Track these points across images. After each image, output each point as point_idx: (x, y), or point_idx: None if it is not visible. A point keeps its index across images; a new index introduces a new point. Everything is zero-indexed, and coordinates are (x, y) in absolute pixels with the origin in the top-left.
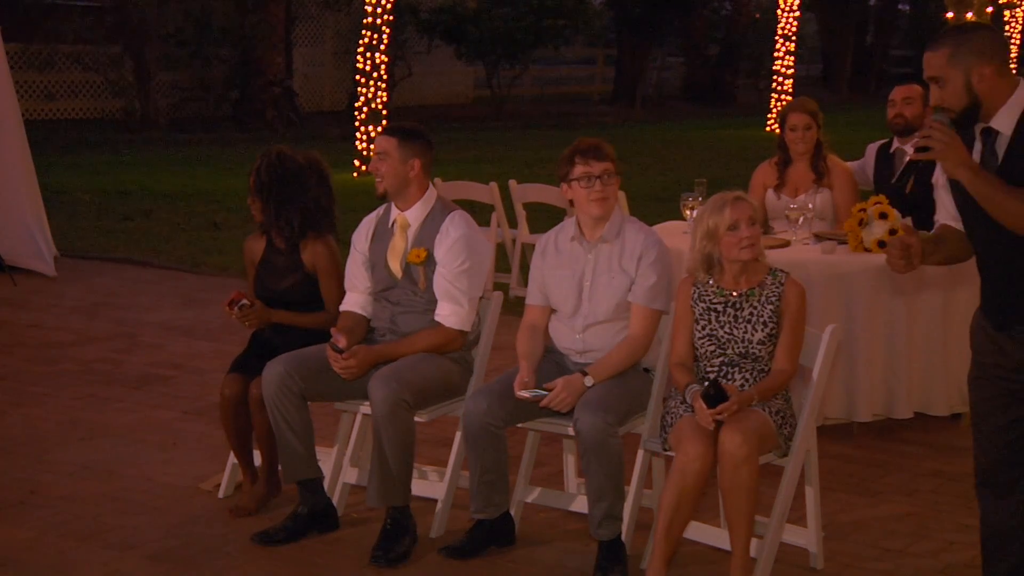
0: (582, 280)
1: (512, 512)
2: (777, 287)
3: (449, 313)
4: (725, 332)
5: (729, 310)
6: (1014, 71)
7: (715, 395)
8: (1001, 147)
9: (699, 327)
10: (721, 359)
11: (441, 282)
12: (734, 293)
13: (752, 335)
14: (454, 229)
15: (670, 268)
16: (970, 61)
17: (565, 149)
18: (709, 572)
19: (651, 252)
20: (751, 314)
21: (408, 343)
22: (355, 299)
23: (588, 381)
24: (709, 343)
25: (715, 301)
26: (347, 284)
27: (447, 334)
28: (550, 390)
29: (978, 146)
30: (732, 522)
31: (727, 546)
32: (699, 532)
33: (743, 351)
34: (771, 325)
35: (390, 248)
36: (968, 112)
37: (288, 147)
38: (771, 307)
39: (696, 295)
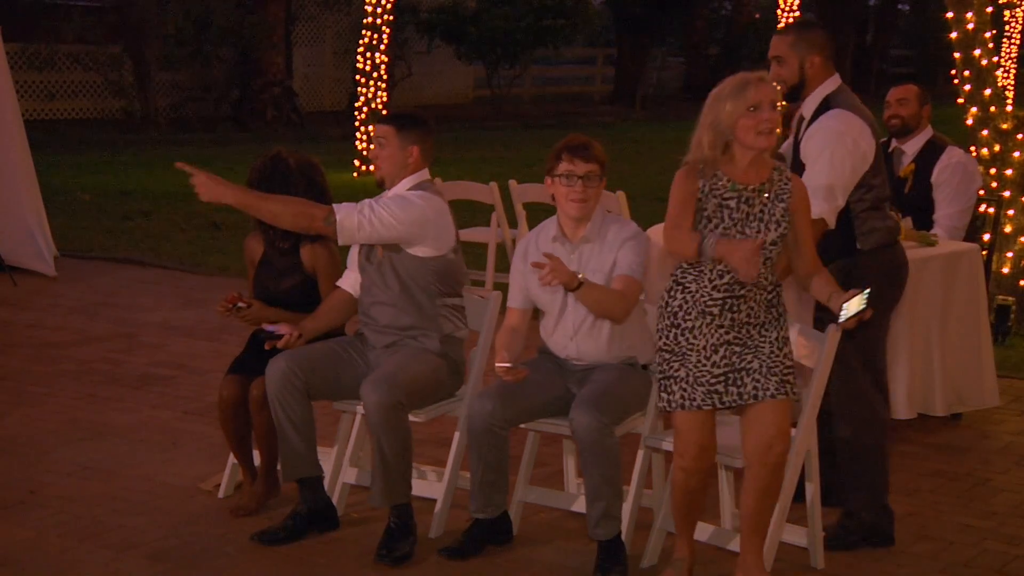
0: None
1: (511, 512)
2: (784, 183)
3: (339, 206)
4: (737, 231)
5: (743, 207)
6: (1014, 70)
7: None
8: (803, 129)
9: (711, 226)
10: None
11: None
12: (748, 187)
13: (765, 235)
14: (410, 192)
15: (650, 255)
16: (807, 49)
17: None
18: (709, 572)
19: (632, 238)
20: (762, 212)
21: (257, 195)
22: (350, 277)
23: (581, 276)
24: None
25: (727, 196)
26: (348, 262)
27: (313, 207)
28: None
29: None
30: (756, 524)
31: (727, 545)
32: (699, 532)
33: None
34: (783, 225)
35: None
36: (796, 88)
37: (287, 150)
38: (783, 206)
39: (707, 188)
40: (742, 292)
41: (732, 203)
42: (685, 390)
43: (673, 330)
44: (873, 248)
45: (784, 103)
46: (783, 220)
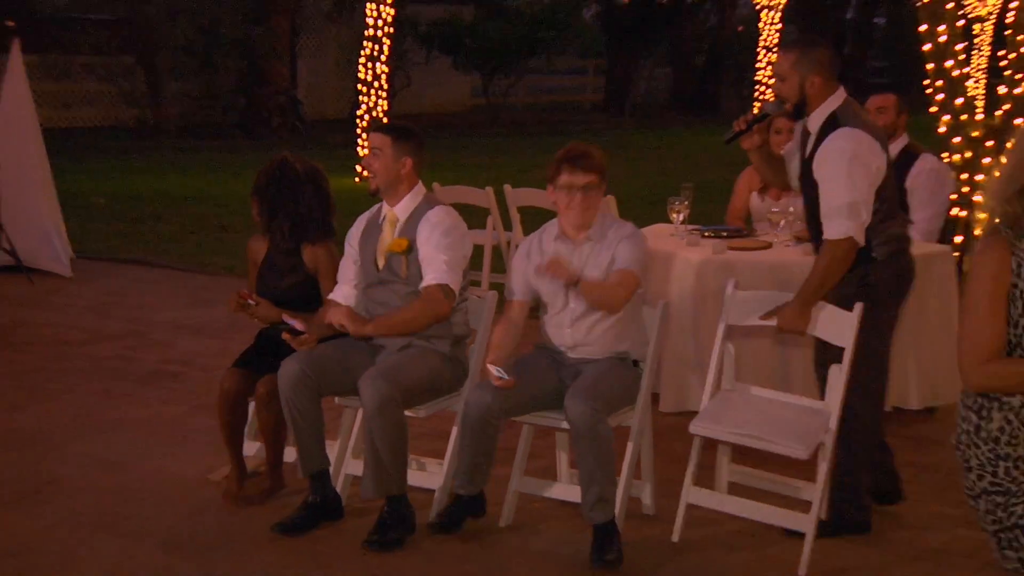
0: None
1: (507, 502)
2: None
3: (433, 276)
4: None
5: None
6: (983, 80)
7: None
8: (809, 144)
9: None
10: None
11: (426, 249)
12: None
13: None
14: (434, 215)
15: (647, 253)
16: (808, 68)
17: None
18: (705, 533)
19: (629, 236)
20: None
21: (389, 317)
22: (343, 291)
23: (581, 274)
24: None
25: None
26: (339, 276)
27: (432, 295)
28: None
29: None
30: None
31: (723, 508)
32: (694, 495)
33: None
34: None
35: (379, 242)
36: (799, 107)
37: (293, 155)
38: None
39: (1021, 268)
40: None
41: None
42: None
43: (1001, 462)
44: (887, 256)
45: (784, 118)
46: None
